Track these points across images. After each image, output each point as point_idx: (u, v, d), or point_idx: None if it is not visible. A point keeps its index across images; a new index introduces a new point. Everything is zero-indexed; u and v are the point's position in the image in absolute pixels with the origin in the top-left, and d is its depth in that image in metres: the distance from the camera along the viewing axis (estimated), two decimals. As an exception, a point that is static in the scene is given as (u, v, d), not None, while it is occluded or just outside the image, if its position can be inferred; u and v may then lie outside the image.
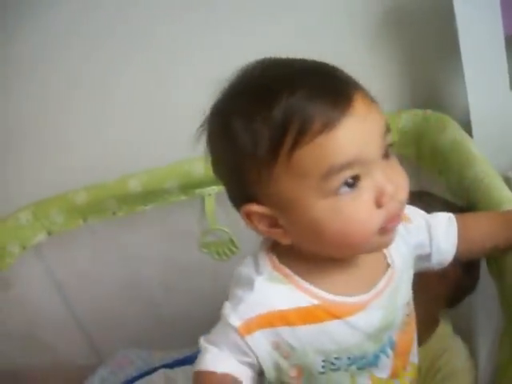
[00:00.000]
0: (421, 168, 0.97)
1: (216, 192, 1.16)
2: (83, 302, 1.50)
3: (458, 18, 0.82)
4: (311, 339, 0.54)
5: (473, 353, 0.76)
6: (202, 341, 0.58)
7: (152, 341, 1.47)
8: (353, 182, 0.49)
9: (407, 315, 0.61)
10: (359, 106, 0.48)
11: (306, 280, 0.55)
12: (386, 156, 0.52)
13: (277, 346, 0.54)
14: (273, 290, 0.55)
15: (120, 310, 1.51)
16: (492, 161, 0.84)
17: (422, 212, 0.67)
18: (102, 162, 1.24)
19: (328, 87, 0.50)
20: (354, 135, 0.48)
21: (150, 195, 1.18)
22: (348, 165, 0.48)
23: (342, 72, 0.53)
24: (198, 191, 1.17)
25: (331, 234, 0.50)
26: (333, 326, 0.55)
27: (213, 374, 0.53)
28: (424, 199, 0.75)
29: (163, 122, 1.18)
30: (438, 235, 0.64)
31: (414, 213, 0.65)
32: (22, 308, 1.28)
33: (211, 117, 0.56)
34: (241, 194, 0.56)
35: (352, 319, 0.55)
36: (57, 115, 1.23)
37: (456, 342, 0.79)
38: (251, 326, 0.54)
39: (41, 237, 1.29)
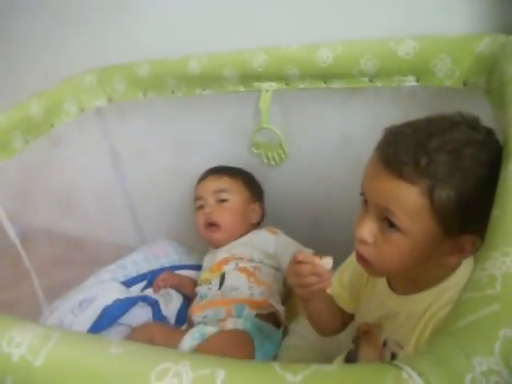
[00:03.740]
0: (490, 102, 0.97)
1: (274, 89, 1.23)
2: (135, 179, 1.67)
3: None
4: None
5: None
6: None
7: (194, 237, 1.57)
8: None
9: None
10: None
11: None
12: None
13: None
14: None
15: (169, 198, 1.67)
16: None
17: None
18: (167, 39, 1.36)
19: None
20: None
21: (208, 79, 1.27)
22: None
23: None
24: (256, 84, 1.24)
25: None
26: None
27: None
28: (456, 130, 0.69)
29: (231, 9, 1.25)
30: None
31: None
32: (68, 168, 1.45)
33: None
34: None
35: None
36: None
37: None
38: None
39: (101, 102, 1.45)
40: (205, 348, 1.12)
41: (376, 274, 0.79)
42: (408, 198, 0.65)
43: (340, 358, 0.93)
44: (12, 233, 1.29)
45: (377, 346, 0.80)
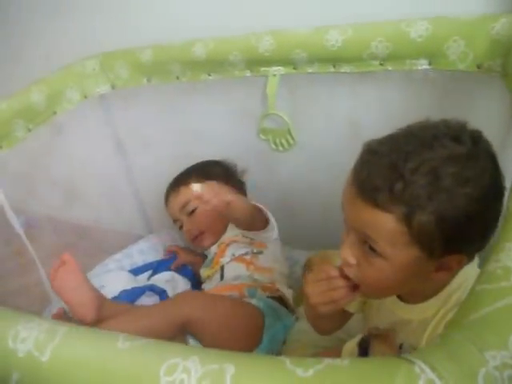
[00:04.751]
0: (505, 86, 0.96)
1: (282, 73, 1.23)
2: (140, 166, 1.68)
3: None
4: None
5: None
6: None
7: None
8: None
9: None
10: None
11: None
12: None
13: None
14: None
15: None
16: None
17: None
18: (172, 23, 1.35)
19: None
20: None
21: (214, 64, 1.27)
22: None
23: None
24: (262, 69, 1.23)
25: None
26: None
27: None
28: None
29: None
30: None
31: None
32: (72, 156, 1.46)
33: None
34: None
35: None
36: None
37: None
38: None
39: (104, 88, 1.45)
40: (217, 303, 1.14)
41: (366, 295, 0.78)
42: (385, 226, 0.63)
43: (353, 343, 0.94)
44: (16, 223, 1.30)
45: (392, 346, 0.81)
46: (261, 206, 1.27)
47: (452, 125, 0.66)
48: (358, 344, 0.92)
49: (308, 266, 1.39)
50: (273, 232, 1.31)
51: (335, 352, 0.98)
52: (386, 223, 0.63)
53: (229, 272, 1.29)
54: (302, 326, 1.17)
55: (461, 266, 0.67)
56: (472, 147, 0.63)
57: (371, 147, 0.68)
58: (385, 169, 0.63)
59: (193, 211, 1.39)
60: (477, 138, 0.65)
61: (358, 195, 0.65)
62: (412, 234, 0.62)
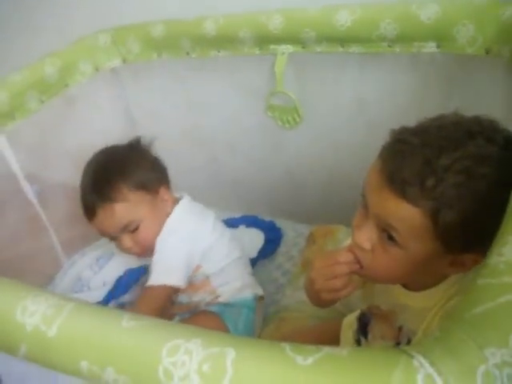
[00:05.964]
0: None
1: (290, 52, 1.20)
2: (149, 139, 1.66)
3: None
4: None
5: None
6: None
7: (209, 197, 1.51)
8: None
9: None
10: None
11: None
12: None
13: None
14: None
15: (182, 159, 1.66)
16: None
17: None
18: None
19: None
20: None
21: (223, 41, 1.24)
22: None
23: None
24: (272, 47, 1.20)
25: None
26: None
27: None
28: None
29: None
30: None
31: None
32: (84, 128, 1.45)
33: None
34: None
35: None
36: None
37: None
38: None
39: (115, 62, 1.43)
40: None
41: (368, 279, 0.78)
42: (410, 219, 0.62)
43: (352, 317, 0.94)
44: (30, 192, 1.30)
45: (392, 326, 0.80)
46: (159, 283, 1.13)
47: (485, 123, 0.64)
48: (357, 318, 0.92)
49: (311, 238, 1.39)
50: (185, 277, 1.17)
51: (335, 324, 0.98)
52: (411, 216, 0.61)
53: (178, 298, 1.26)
54: (303, 297, 1.17)
55: (476, 264, 0.64)
56: (504, 148, 0.61)
57: (402, 137, 0.65)
58: (417, 163, 0.60)
59: (136, 228, 1.18)
60: (508, 139, 0.63)
61: (386, 184, 0.63)
62: (436, 230, 0.61)
